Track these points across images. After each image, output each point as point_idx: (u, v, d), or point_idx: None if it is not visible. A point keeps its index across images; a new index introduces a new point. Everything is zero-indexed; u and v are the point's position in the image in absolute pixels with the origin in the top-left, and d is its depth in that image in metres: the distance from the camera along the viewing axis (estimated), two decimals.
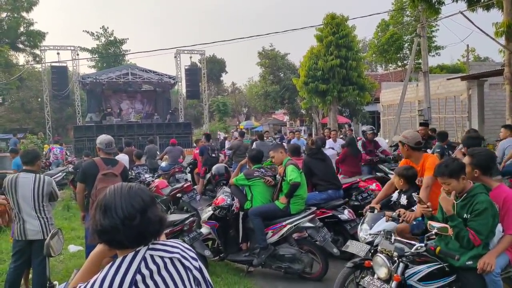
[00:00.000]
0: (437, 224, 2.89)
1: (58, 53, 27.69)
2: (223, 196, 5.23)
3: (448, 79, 17.29)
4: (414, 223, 3.62)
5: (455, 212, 3.04)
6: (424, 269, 2.93)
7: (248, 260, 5.08)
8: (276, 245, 4.95)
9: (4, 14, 31.63)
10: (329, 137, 10.91)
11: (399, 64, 31.80)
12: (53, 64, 27.91)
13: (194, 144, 25.52)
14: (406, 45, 29.25)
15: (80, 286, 1.39)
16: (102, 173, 4.57)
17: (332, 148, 9.59)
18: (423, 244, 2.98)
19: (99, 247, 1.57)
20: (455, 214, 3.00)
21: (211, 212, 5.24)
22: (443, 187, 3.07)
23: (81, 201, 4.94)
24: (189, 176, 11.15)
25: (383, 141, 10.99)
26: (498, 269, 2.98)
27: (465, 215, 2.99)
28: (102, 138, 4.95)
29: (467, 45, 25.56)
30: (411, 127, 18.91)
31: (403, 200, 3.93)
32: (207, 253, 4.93)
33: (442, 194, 3.06)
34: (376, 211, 3.98)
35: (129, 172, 8.85)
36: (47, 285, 1.89)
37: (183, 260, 1.50)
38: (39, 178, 4.31)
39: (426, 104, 15.89)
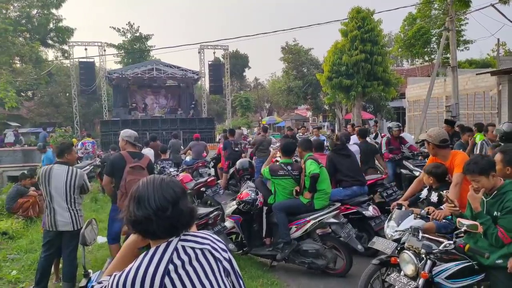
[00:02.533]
0: (466, 222, 2.84)
1: (85, 49, 28.39)
2: (247, 191, 5.27)
3: (477, 74, 16.80)
4: (444, 221, 3.55)
5: (485, 209, 2.97)
6: (452, 266, 2.89)
7: (271, 254, 5.11)
8: (299, 240, 4.96)
9: (34, 11, 32.55)
10: (354, 133, 10.83)
11: (426, 58, 31.08)
12: (81, 59, 28.58)
13: (217, 139, 25.77)
14: (433, 39, 28.56)
15: (115, 275, 1.44)
16: (130, 166, 4.66)
17: (357, 144, 9.50)
18: (451, 242, 2.93)
19: (132, 237, 1.62)
20: (484, 211, 2.94)
21: (235, 206, 5.29)
22: (472, 184, 3.00)
23: (111, 192, 5.03)
24: (212, 171, 11.26)
25: (409, 136, 10.78)
26: None
27: (495, 213, 2.92)
28: (130, 132, 5.07)
29: (498, 39, 24.68)
30: (438, 123, 18.49)
31: (434, 197, 3.86)
32: (231, 246, 5.00)
33: (470, 191, 3.00)
34: (403, 208, 3.94)
35: (154, 166, 9.03)
36: (83, 272, 1.96)
37: (213, 251, 1.53)
38: (72, 170, 4.44)
39: (454, 100, 15.49)
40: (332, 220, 4.91)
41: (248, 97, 44.63)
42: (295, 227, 4.97)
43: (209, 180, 7.91)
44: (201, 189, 7.82)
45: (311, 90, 33.07)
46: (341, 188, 5.69)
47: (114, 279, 1.42)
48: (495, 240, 2.87)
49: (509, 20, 10.99)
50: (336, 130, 26.64)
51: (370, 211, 5.41)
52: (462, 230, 2.89)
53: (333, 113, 32.08)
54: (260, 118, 47.00)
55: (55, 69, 33.88)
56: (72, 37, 33.76)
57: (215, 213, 5.14)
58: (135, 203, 1.46)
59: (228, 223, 5.34)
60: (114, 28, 40.23)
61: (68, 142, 5.01)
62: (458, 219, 2.92)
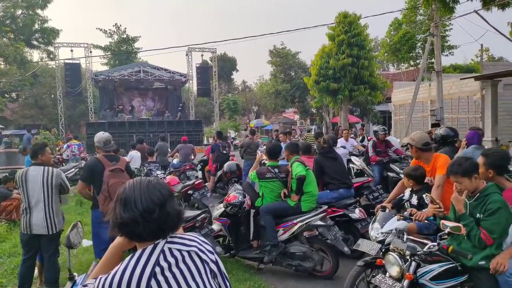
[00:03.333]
0: (450, 223, 2.89)
1: (71, 50, 28.11)
2: (234, 194, 5.27)
3: (461, 79, 17.08)
4: (426, 221, 3.61)
5: (468, 211, 3.03)
6: (436, 268, 2.94)
7: (258, 257, 5.11)
8: (287, 243, 4.97)
9: (19, 11, 32.08)
10: (341, 136, 10.92)
11: (411, 63, 31.55)
12: (67, 61, 28.30)
13: (205, 142, 25.72)
14: (418, 44, 29.01)
15: (101, 277, 1.43)
16: (110, 169, 4.59)
17: (344, 147, 9.59)
18: (435, 243, 2.98)
19: (118, 239, 1.61)
20: (467, 213, 3.00)
21: (223, 209, 5.28)
22: (455, 185, 3.06)
23: (87, 197, 4.91)
24: (200, 174, 11.22)
25: (395, 140, 10.91)
26: (511, 270, 2.97)
27: (478, 215, 2.98)
28: (99, 136, 4.85)
29: (481, 45, 25.24)
30: (423, 127, 18.76)
31: (414, 200, 3.93)
32: (218, 249, 4.98)
33: (454, 194, 3.06)
34: (387, 210, 3.99)
35: (141, 169, 8.96)
36: (68, 275, 1.94)
37: (200, 253, 1.54)
38: (48, 170, 4.32)
39: (438, 104, 15.73)
40: (319, 222, 4.94)
41: (236, 100, 44.68)
42: (283, 229, 4.99)
43: (196, 183, 7.89)
44: (189, 192, 7.79)
45: (299, 94, 33.24)
46: (328, 191, 5.73)
47: (99, 282, 1.41)
48: (478, 242, 2.93)
49: (492, 26, 11.23)
50: (323, 133, 26.79)
51: (357, 213, 5.46)
52: (446, 232, 2.94)
53: (321, 117, 32.30)
54: (248, 121, 47.03)
55: (40, 70, 33.43)
56: (57, 38, 33.35)
57: (202, 215, 5.12)
58: (121, 205, 1.46)
59: (216, 226, 5.33)
60: (101, 30, 40.08)
61: (41, 143, 4.90)
62: (442, 221, 2.97)
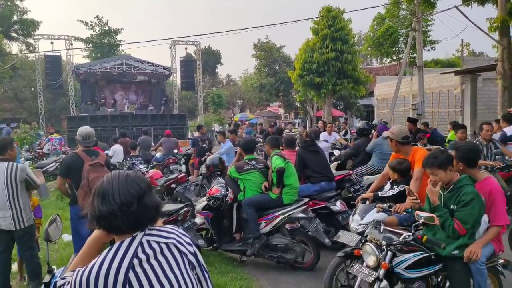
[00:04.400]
0: (424, 214, 2.99)
1: (51, 43, 27.55)
2: (217, 187, 5.29)
3: (442, 74, 17.42)
4: (405, 214, 3.70)
5: (442, 203, 3.13)
6: (411, 257, 3.03)
7: (241, 250, 5.16)
8: (269, 235, 5.03)
9: None
10: (324, 130, 11.00)
11: (394, 58, 31.92)
12: (47, 53, 27.72)
13: (190, 136, 25.56)
14: (401, 39, 29.35)
15: (79, 270, 1.43)
16: (89, 164, 4.55)
17: (326, 141, 9.69)
18: (410, 233, 3.07)
19: (97, 232, 1.62)
20: (441, 205, 3.10)
21: (205, 202, 5.30)
22: (430, 178, 3.15)
23: (65, 192, 4.86)
24: (183, 167, 11.19)
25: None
26: (484, 258, 3.08)
27: (452, 206, 3.08)
28: (80, 130, 4.81)
29: (462, 40, 25.74)
30: (405, 121, 19.06)
31: (389, 191, 4.01)
32: (200, 242, 5.01)
33: (429, 186, 3.15)
34: (368, 202, 4.07)
35: (123, 163, 8.90)
36: (46, 269, 1.94)
37: (179, 245, 1.55)
38: (12, 165, 4.20)
39: (420, 98, 16.01)
40: (301, 215, 5.01)
41: (221, 94, 44.52)
42: (265, 222, 5.04)
43: (179, 176, 7.88)
44: (172, 186, 7.78)
45: (283, 87, 33.32)
46: (310, 184, 5.79)
47: (77, 274, 1.41)
48: (452, 232, 3.02)
49: (471, 22, 11.43)
50: (307, 127, 26.98)
51: (338, 206, 5.54)
52: (420, 222, 3.04)
53: (305, 110, 32.48)
54: (232, 115, 46.94)
55: (20, 63, 32.70)
56: (37, 30, 32.65)
57: (185, 209, 5.13)
58: (99, 198, 1.46)
59: (198, 219, 5.35)
60: (82, 22, 39.26)
61: (9, 138, 4.79)
62: (417, 212, 3.06)
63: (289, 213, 4.96)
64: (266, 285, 4.69)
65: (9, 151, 4.33)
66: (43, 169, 11.35)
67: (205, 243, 5.22)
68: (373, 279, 3.00)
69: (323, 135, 10.26)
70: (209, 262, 5.16)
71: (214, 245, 5.40)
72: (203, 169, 8.94)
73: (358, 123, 7.61)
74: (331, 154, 9.35)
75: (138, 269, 1.42)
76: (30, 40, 32.43)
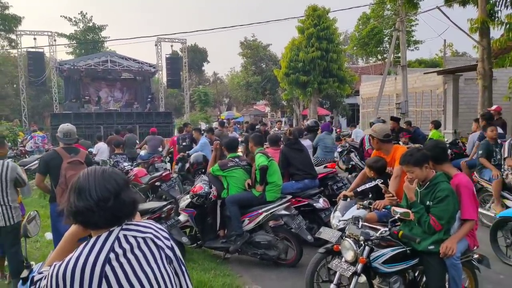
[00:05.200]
0: (399, 210, 3.07)
1: (34, 38, 26.99)
2: (201, 184, 5.31)
3: (425, 74, 17.67)
4: (384, 210, 3.78)
5: (419, 199, 3.21)
6: (388, 252, 3.11)
7: (225, 247, 5.19)
8: (252, 232, 5.07)
9: None
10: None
11: (379, 57, 32.26)
12: (30, 49, 27.20)
13: (176, 134, 25.41)
14: (386, 38, 29.67)
15: (55, 264, 1.44)
16: (68, 161, 4.52)
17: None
18: (387, 229, 3.15)
19: (73, 228, 1.63)
20: (418, 201, 3.18)
21: (189, 200, 5.32)
22: (407, 175, 3.23)
23: (45, 190, 4.84)
24: (168, 165, 11.14)
25: (360, 132, 11.22)
26: (458, 254, 3.17)
27: (428, 202, 3.16)
28: (61, 127, 4.79)
29: (444, 40, 26.14)
30: (389, 120, 19.27)
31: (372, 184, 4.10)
32: (184, 240, 5.03)
33: (405, 183, 3.24)
34: (348, 199, 4.15)
35: (107, 161, 8.83)
36: (24, 264, 1.94)
37: (156, 240, 1.57)
38: (3, 164, 4.22)
39: (403, 98, 16.23)
40: (284, 212, 5.06)
41: (207, 92, 44.33)
42: (248, 219, 5.08)
43: (164, 174, 7.86)
44: (156, 184, 7.76)
45: (270, 86, 33.39)
46: (294, 182, 5.85)
47: (54, 268, 1.42)
48: (428, 228, 3.11)
49: (453, 22, 11.64)
50: (293, 126, 27.10)
51: (321, 203, 5.62)
52: (396, 217, 3.12)
53: (291, 109, 32.60)
54: (219, 113, 46.81)
55: (1, 59, 32.09)
56: (19, 25, 31.90)
57: (169, 206, 5.14)
58: (75, 194, 1.47)
59: (182, 217, 5.35)
60: (66, 17, 38.62)
61: (1, 135, 4.77)
62: (393, 208, 3.15)
63: (272, 210, 5.01)
64: (249, 281, 4.73)
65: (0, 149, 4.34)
66: (25, 167, 11.17)
67: (189, 241, 5.23)
68: (351, 273, 3.07)
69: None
70: (193, 259, 5.18)
71: (198, 242, 5.42)
72: (177, 168, 8.98)
73: (307, 121, 9.28)
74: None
75: (115, 263, 1.44)
76: (12, 36, 31.71)
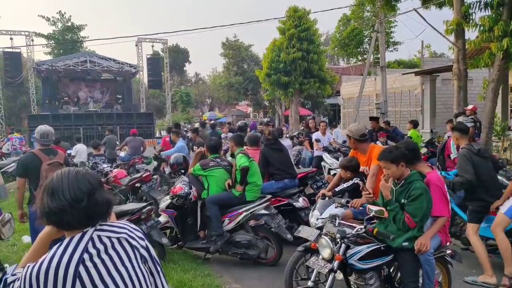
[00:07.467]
0: (374, 208, 3.14)
1: (11, 38, 26.44)
2: (180, 185, 5.30)
3: (403, 74, 18.02)
4: (361, 208, 3.86)
5: (394, 197, 3.30)
6: (363, 249, 3.18)
7: (205, 247, 5.20)
8: (232, 232, 5.09)
9: None
10: (316, 129, 10.17)
11: (360, 58, 32.66)
12: (6, 49, 26.60)
13: (157, 135, 25.23)
14: (366, 39, 30.06)
15: (29, 266, 1.43)
16: (48, 163, 4.46)
17: (318, 140, 9.15)
18: (362, 227, 3.22)
19: (47, 228, 1.62)
20: (393, 199, 3.27)
21: (169, 201, 5.30)
22: (384, 171, 3.31)
23: (20, 198, 4.72)
24: (149, 167, 11.05)
25: (338, 132, 11.37)
26: (432, 249, 3.27)
27: (403, 200, 3.25)
28: (38, 128, 4.74)
29: (422, 41, 26.79)
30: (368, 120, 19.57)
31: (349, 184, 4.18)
32: (164, 241, 5.01)
33: (382, 181, 3.32)
34: (327, 198, 4.22)
35: (85, 162, 8.73)
36: None
37: (130, 240, 1.57)
38: None
39: (383, 98, 16.51)
40: (263, 211, 5.10)
41: (189, 92, 44.13)
42: (228, 219, 5.10)
43: (144, 175, 7.80)
44: (136, 185, 7.70)
45: (252, 86, 33.44)
46: (273, 181, 5.89)
47: (27, 269, 1.42)
48: (402, 225, 3.20)
49: (429, 24, 11.86)
50: (275, 126, 27.19)
51: (300, 202, 5.68)
52: (371, 215, 3.19)
53: (273, 109, 32.73)
54: (201, 113, 46.66)
55: None
56: None
57: (148, 207, 5.11)
58: (49, 194, 1.47)
59: (162, 218, 5.33)
60: (43, 17, 37.85)
61: None
62: (368, 205, 3.22)
63: (252, 210, 5.04)
64: (229, 281, 4.74)
65: None
66: (2, 170, 10.93)
67: (169, 242, 5.21)
68: (327, 270, 3.13)
69: (317, 135, 9.46)
70: (173, 260, 5.17)
71: (179, 243, 5.41)
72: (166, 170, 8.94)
73: (239, 122, 10.99)
74: (320, 158, 8.82)
75: (89, 264, 1.44)
76: None
